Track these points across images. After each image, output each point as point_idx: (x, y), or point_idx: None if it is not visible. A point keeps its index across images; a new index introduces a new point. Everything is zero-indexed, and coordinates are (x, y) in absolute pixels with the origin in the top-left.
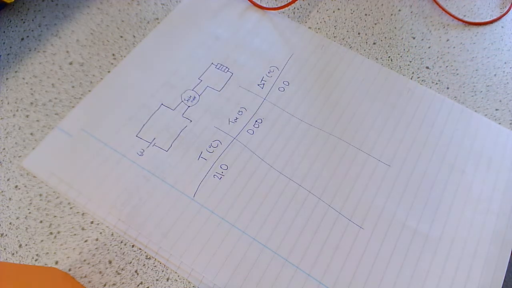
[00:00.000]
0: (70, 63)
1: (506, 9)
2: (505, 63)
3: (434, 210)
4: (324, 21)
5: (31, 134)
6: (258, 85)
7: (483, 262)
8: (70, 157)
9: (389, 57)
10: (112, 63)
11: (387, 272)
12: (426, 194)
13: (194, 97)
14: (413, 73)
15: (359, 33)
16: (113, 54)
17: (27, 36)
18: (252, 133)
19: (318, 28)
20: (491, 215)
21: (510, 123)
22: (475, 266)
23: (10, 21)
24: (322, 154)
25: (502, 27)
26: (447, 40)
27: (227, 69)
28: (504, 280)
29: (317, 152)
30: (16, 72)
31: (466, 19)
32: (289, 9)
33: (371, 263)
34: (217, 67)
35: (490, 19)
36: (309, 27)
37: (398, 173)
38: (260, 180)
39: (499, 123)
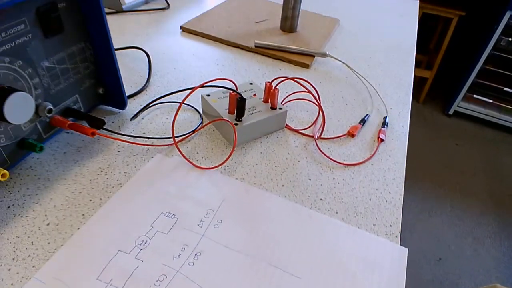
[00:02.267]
0: (48, 224)
1: (373, 152)
2: (376, 189)
3: None
4: (247, 173)
5: (12, 284)
6: (198, 225)
7: None
8: None
9: (294, 194)
10: (81, 222)
11: None
12: None
13: (146, 241)
14: (311, 204)
15: (271, 179)
16: (83, 214)
17: (13, 205)
18: (192, 265)
19: (243, 178)
20: None
21: (385, 233)
22: None
23: None
24: (249, 275)
25: (372, 164)
26: (333, 178)
27: (173, 215)
28: None
29: (245, 274)
30: (1, 234)
31: (345, 162)
32: (221, 167)
33: None
34: (165, 215)
35: (362, 160)
36: (236, 178)
37: (307, 282)
38: None
39: (377, 235)
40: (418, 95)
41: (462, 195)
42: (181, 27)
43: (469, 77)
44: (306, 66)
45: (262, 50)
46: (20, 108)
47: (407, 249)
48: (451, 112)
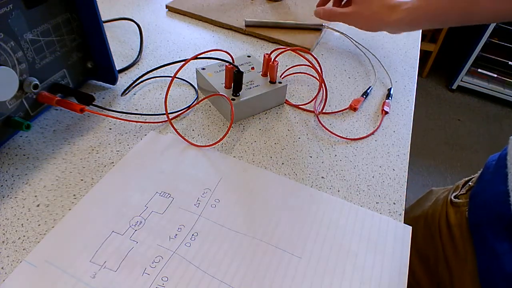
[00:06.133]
0: (38, 205)
1: (376, 127)
2: (380, 166)
3: None
4: (245, 151)
5: (2, 268)
6: (195, 204)
7: None
8: (35, 285)
9: (294, 172)
10: (73, 202)
11: None
12: (330, 277)
13: (141, 222)
14: (312, 182)
15: (271, 157)
16: (74, 195)
17: (1, 185)
18: (189, 245)
19: (241, 156)
20: None
21: (389, 211)
22: None
23: None
24: (248, 255)
25: (376, 140)
26: (335, 155)
27: (169, 195)
28: None
29: (243, 254)
30: None
31: (348, 137)
32: (218, 145)
33: None
34: (161, 194)
35: (366, 135)
36: (233, 156)
37: (308, 262)
38: (195, 286)
39: (380, 213)
40: (421, 69)
41: (464, 172)
42: (166, 6)
43: (474, 50)
44: (307, 51)
45: (256, 33)
46: (3, 84)
47: (411, 227)
48: (454, 87)
